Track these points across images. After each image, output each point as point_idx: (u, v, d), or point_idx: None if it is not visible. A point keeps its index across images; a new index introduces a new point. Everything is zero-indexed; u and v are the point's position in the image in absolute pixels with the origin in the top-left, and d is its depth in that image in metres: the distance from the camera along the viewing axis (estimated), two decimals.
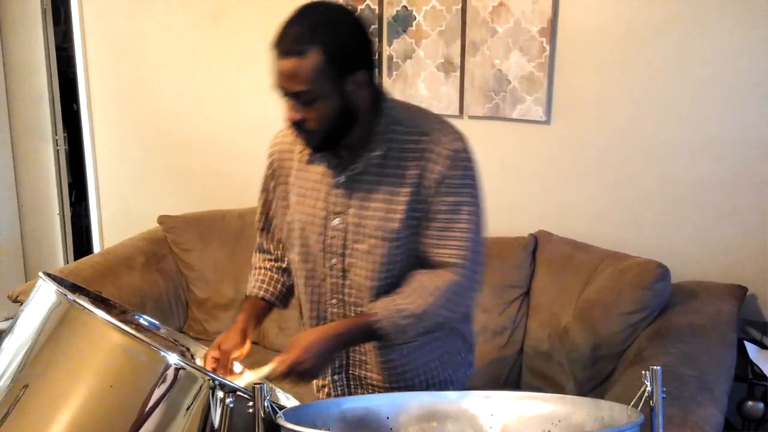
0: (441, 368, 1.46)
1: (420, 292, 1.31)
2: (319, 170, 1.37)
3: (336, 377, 1.45)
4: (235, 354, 1.38)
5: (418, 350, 1.41)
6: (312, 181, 1.37)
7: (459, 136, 1.33)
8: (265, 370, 1.29)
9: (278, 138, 1.45)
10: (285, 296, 1.52)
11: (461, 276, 1.32)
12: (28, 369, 1.18)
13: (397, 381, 1.43)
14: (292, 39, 1.21)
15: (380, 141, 1.30)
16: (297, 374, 1.27)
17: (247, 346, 1.40)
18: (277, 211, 1.47)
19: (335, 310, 1.41)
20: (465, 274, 1.33)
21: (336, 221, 1.34)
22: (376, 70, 1.36)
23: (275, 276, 1.51)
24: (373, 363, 1.42)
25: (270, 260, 1.53)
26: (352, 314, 1.39)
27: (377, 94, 1.33)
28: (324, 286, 1.40)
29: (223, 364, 1.37)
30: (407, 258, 1.34)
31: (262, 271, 1.52)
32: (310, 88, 1.22)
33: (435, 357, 1.44)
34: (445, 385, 1.46)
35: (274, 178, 1.45)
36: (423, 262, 1.35)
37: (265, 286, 1.50)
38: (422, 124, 1.32)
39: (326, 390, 1.48)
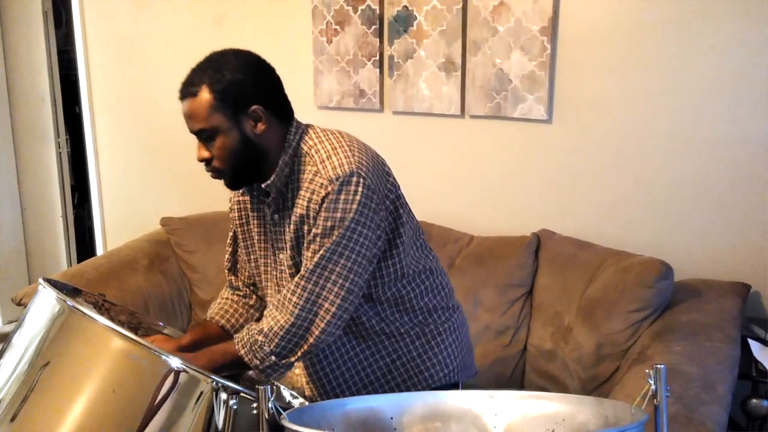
0: (390, 376, 1.47)
1: (273, 312, 1.35)
2: (261, 213, 1.45)
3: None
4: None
5: (343, 365, 1.45)
6: (259, 223, 1.45)
7: (344, 162, 1.32)
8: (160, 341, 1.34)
9: (234, 194, 1.52)
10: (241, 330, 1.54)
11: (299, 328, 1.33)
12: (33, 373, 1.18)
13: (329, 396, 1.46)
14: (187, 82, 1.35)
15: (285, 176, 1.36)
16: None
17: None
18: (242, 254, 1.53)
19: None
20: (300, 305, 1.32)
21: (281, 256, 1.41)
22: (288, 104, 1.40)
23: (239, 309, 1.56)
24: (303, 383, 1.47)
25: (239, 295, 1.58)
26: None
27: (287, 128, 1.37)
28: None
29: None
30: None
31: (228, 301, 1.57)
32: (206, 126, 1.32)
33: (374, 368, 1.47)
34: (409, 388, 1.48)
35: (240, 224, 1.51)
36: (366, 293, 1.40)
37: (227, 316, 1.55)
38: (316, 154, 1.35)
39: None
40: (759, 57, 2.13)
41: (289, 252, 1.39)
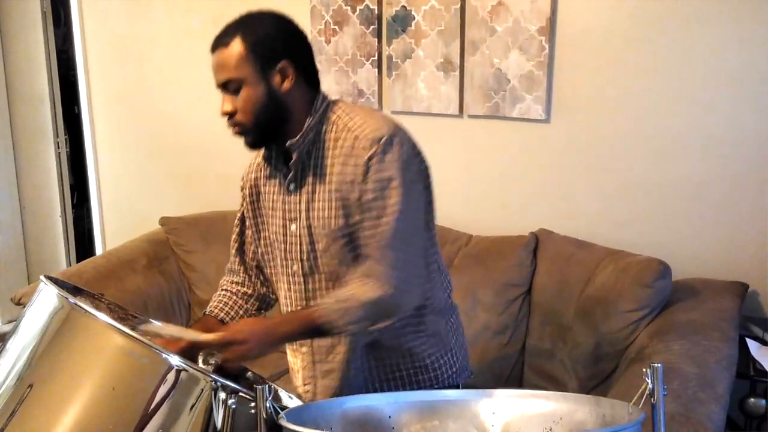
0: (398, 374, 1.46)
1: (354, 283, 1.33)
2: (275, 181, 1.43)
3: (308, 387, 1.48)
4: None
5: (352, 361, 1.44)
6: (272, 194, 1.44)
7: (383, 125, 1.32)
8: (199, 336, 1.29)
9: (248, 168, 1.52)
10: None
11: (386, 293, 1.31)
12: (32, 370, 1.18)
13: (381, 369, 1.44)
14: (220, 35, 1.34)
15: (309, 142, 1.35)
16: (232, 351, 1.26)
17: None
18: (249, 234, 1.52)
19: None
20: (389, 292, 1.31)
21: (293, 227, 1.39)
22: (317, 72, 1.40)
23: (239, 301, 1.55)
24: (344, 372, 1.44)
25: (236, 284, 1.57)
26: None
27: (314, 96, 1.37)
28: (291, 294, 1.44)
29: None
30: (357, 254, 1.35)
31: (227, 294, 1.57)
32: (234, 76, 1.31)
33: (385, 364, 1.45)
34: (412, 387, 1.46)
35: (251, 201, 1.50)
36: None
37: (227, 309, 1.54)
38: (349, 121, 1.35)
39: (309, 396, 1.49)
40: (757, 56, 2.14)
41: (304, 222, 1.37)
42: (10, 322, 3.52)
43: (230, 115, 1.33)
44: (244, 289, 1.56)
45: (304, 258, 1.39)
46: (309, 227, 1.37)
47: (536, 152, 2.48)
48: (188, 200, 3.06)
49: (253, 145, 1.37)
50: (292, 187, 1.39)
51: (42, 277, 1.28)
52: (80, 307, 1.19)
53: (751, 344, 2.05)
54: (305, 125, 1.34)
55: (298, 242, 1.39)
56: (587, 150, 2.40)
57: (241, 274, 1.57)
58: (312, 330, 1.33)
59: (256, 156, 1.49)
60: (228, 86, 1.33)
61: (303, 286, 1.41)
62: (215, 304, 1.55)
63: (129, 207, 3.30)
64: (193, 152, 3.10)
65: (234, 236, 1.56)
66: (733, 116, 2.20)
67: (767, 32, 2.11)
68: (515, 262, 2.33)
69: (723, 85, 2.19)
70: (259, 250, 1.50)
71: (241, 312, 1.54)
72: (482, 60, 2.45)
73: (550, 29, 2.34)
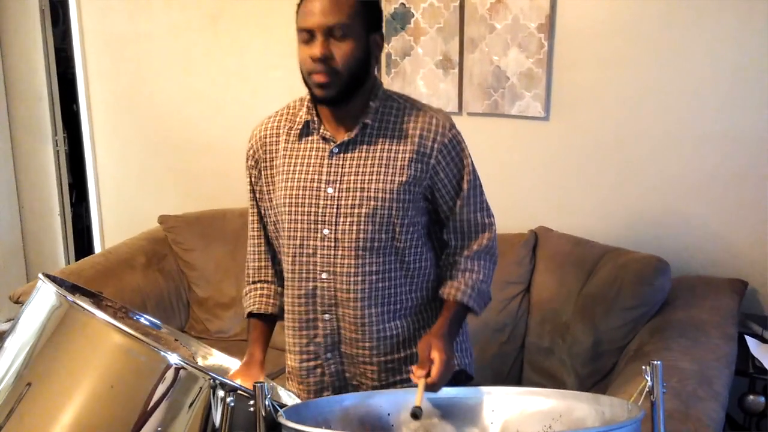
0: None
1: (477, 261, 1.44)
2: (310, 145, 1.41)
3: (329, 355, 1.45)
4: None
5: (407, 318, 1.45)
6: (303, 156, 1.41)
7: (448, 115, 1.45)
8: (420, 391, 1.22)
9: (260, 126, 1.49)
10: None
11: (494, 233, 1.47)
12: (31, 368, 1.18)
13: (392, 353, 1.43)
14: None
15: (375, 112, 1.39)
16: (448, 369, 1.27)
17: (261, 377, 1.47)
18: (263, 203, 1.49)
19: (325, 285, 1.40)
20: (494, 230, 1.48)
21: (330, 190, 1.38)
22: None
23: (278, 289, 1.52)
24: (367, 336, 1.42)
25: (265, 268, 1.53)
26: (344, 286, 1.39)
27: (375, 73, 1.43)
28: (313, 261, 1.40)
29: None
30: (408, 222, 1.39)
31: (265, 285, 1.53)
32: (347, 22, 1.30)
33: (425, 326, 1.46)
34: None
35: (257, 166, 1.47)
36: (428, 232, 1.45)
37: (271, 300, 1.52)
38: (415, 103, 1.44)
39: (319, 371, 1.46)
40: (755, 54, 2.14)
41: (347, 184, 1.37)
42: (8, 320, 3.51)
43: (324, 60, 1.29)
44: (272, 270, 1.52)
45: (340, 221, 1.37)
46: (352, 190, 1.37)
47: (535, 150, 2.48)
48: (187, 198, 3.06)
49: (332, 98, 1.34)
50: (336, 149, 1.38)
51: (40, 275, 1.28)
52: (78, 305, 1.19)
53: (750, 341, 2.05)
54: (378, 93, 1.39)
55: (335, 205, 1.37)
56: (586, 147, 2.40)
57: (264, 254, 1.53)
58: (464, 317, 1.45)
59: (269, 117, 1.48)
60: (334, 31, 1.29)
61: (333, 251, 1.38)
62: (255, 300, 1.51)
63: (128, 205, 3.30)
64: (191, 150, 3.09)
65: (250, 216, 1.52)
66: (732, 113, 2.20)
67: (765, 30, 2.11)
68: (514, 260, 2.33)
69: (722, 82, 2.19)
70: (272, 219, 1.47)
71: (280, 299, 1.51)
72: (481, 57, 2.45)
73: (550, 27, 2.34)
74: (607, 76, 2.33)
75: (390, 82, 2.60)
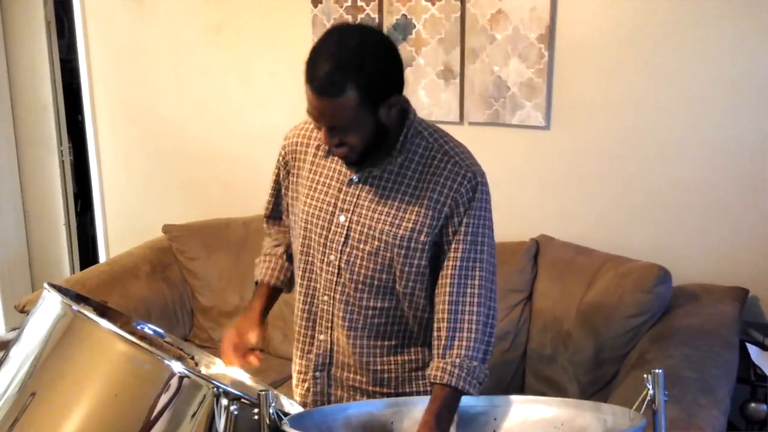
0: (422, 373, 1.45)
1: (464, 325, 1.30)
2: (333, 166, 1.39)
3: (318, 374, 1.46)
4: (251, 336, 1.47)
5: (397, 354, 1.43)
6: (324, 176, 1.40)
7: (477, 162, 1.36)
8: None
9: (295, 130, 1.48)
10: (291, 281, 1.57)
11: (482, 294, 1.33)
12: (35, 377, 1.19)
13: (382, 386, 1.44)
14: (326, 79, 1.21)
15: (402, 151, 1.33)
16: None
17: (260, 331, 1.49)
18: (286, 199, 1.50)
19: (325, 306, 1.42)
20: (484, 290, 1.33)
21: (341, 218, 1.37)
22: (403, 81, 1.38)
23: (285, 264, 1.56)
24: (357, 366, 1.43)
25: (277, 245, 1.58)
26: (340, 314, 1.39)
27: (405, 108, 1.35)
28: (318, 281, 1.42)
29: (240, 347, 1.45)
30: (410, 270, 1.34)
31: (273, 258, 1.57)
32: (347, 124, 1.25)
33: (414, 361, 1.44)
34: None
35: (286, 167, 1.48)
36: (426, 279, 1.36)
37: (276, 273, 1.56)
38: (444, 144, 1.35)
39: (306, 385, 1.48)
40: (755, 61, 2.15)
41: (358, 217, 1.34)
42: (13, 329, 3.53)
43: (337, 146, 1.29)
44: (283, 249, 1.57)
45: (346, 251, 1.36)
46: (361, 224, 1.35)
47: (536, 159, 2.49)
48: (191, 208, 3.08)
49: (354, 164, 1.34)
50: (355, 178, 1.36)
51: (46, 285, 1.29)
52: (83, 314, 1.20)
53: (752, 349, 2.05)
54: (407, 136, 1.33)
55: (343, 234, 1.36)
56: (587, 156, 2.41)
57: (280, 239, 1.57)
58: (457, 399, 1.27)
59: (306, 122, 1.44)
60: (338, 128, 1.26)
61: (335, 278, 1.38)
62: (263, 271, 1.56)
63: (132, 214, 3.32)
64: (195, 160, 3.11)
65: (267, 198, 1.55)
66: (732, 121, 2.21)
67: (765, 38, 2.12)
68: (516, 268, 2.33)
69: (722, 90, 2.20)
70: (291, 218, 1.49)
71: (287, 273, 1.55)
72: (482, 67, 2.46)
73: (550, 37, 2.35)
74: (607, 86, 2.34)
75: None
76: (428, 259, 1.34)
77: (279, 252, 1.57)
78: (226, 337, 1.47)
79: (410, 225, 1.32)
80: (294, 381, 1.53)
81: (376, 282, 1.36)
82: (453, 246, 1.32)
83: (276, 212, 1.56)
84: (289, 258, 1.56)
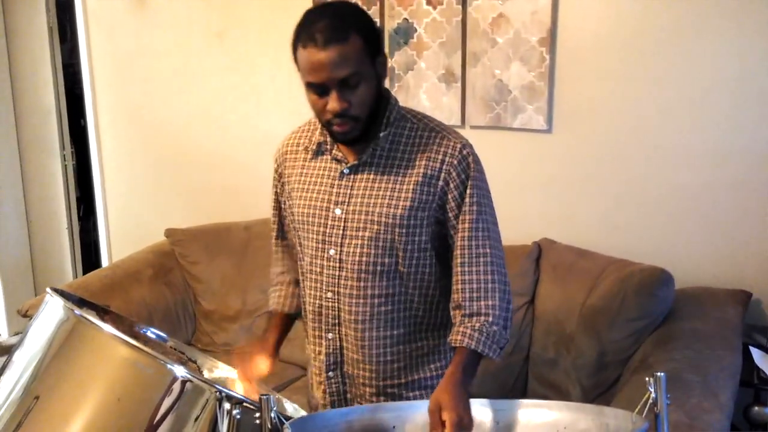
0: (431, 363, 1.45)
1: (481, 293, 1.34)
2: (323, 164, 1.42)
3: (331, 374, 1.47)
4: (263, 367, 1.47)
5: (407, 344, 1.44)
6: (315, 176, 1.43)
7: (463, 136, 1.41)
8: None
9: (284, 140, 1.52)
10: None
11: (496, 262, 1.37)
12: (38, 381, 1.19)
13: (392, 378, 1.44)
14: (330, 29, 1.25)
15: (388, 128, 1.37)
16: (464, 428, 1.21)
17: (273, 362, 1.50)
18: (286, 212, 1.52)
19: (330, 303, 1.42)
20: (497, 259, 1.38)
21: (337, 211, 1.39)
22: None
23: (294, 290, 1.58)
24: (366, 360, 1.43)
25: (283, 272, 1.60)
26: (346, 308, 1.40)
27: (386, 93, 1.39)
28: (321, 279, 1.42)
29: (252, 378, 1.46)
30: (412, 248, 1.37)
31: (282, 286, 1.59)
32: (357, 70, 1.27)
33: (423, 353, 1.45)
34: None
35: (281, 179, 1.51)
36: (436, 254, 1.39)
37: (287, 300, 1.58)
38: (429, 122, 1.40)
39: (322, 387, 1.49)
40: (757, 66, 2.15)
41: (354, 206, 1.36)
42: (16, 334, 3.53)
43: (342, 112, 1.29)
44: (291, 276, 1.58)
45: (345, 243, 1.38)
46: (359, 212, 1.37)
47: (538, 162, 2.49)
48: (193, 212, 3.08)
49: (355, 138, 1.34)
50: (346, 170, 1.38)
51: (48, 289, 1.29)
52: (86, 318, 1.20)
53: (755, 352, 2.05)
54: (390, 117, 1.37)
55: (341, 226, 1.38)
56: (589, 159, 2.41)
57: (286, 261, 1.59)
58: (478, 360, 1.32)
59: (293, 132, 1.49)
60: (349, 81, 1.27)
61: (337, 272, 1.39)
62: (275, 300, 1.59)
63: (135, 219, 3.32)
64: (198, 165, 3.12)
65: (272, 221, 1.57)
66: (734, 125, 2.21)
67: (766, 43, 2.13)
68: (518, 272, 2.33)
69: (723, 93, 2.20)
70: (291, 225, 1.51)
71: (296, 301, 1.56)
72: (483, 71, 2.47)
73: (551, 40, 2.36)
74: (608, 89, 2.34)
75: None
76: (429, 235, 1.37)
77: (287, 280, 1.59)
78: (240, 367, 1.47)
79: (408, 203, 1.35)
80: (314, 385, 1.53)
81: (378, 268, 1.37)
82: (460, 218, 1.36)
83: (283, 231, 1.58)
84: (297, 283, 1.57)
